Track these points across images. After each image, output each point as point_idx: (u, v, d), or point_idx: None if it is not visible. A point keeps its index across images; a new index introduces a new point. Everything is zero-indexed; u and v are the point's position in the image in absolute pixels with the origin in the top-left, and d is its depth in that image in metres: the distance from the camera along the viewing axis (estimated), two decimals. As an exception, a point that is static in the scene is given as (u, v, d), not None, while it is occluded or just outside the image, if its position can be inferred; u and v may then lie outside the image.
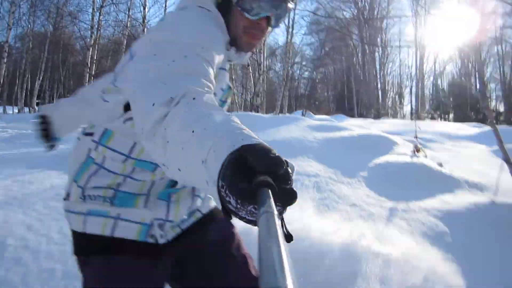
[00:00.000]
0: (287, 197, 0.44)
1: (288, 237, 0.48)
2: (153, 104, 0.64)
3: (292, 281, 0.26)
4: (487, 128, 8.48)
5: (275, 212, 0.36)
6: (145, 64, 0.75)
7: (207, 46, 0.80)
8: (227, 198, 0.45)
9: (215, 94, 0.91)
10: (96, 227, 0.91)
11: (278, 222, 0.34)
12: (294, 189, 0.45)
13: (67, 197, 0.96)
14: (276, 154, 0.46)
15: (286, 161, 0.46)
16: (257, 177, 0.43)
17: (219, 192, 0.47)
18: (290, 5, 1.00)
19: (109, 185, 0.93)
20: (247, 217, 0.46)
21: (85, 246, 0.93)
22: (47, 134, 1.13)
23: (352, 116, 23.57)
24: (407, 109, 31.55)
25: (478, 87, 23.39)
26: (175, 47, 0.77)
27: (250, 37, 0.98)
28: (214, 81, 0.76)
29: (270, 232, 0.32)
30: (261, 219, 0.35)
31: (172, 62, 0.73)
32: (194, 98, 0.63)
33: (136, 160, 0.93)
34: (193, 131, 0.55)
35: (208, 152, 0.50)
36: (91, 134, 0.95)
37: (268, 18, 0.97)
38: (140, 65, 0.77)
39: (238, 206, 0.45)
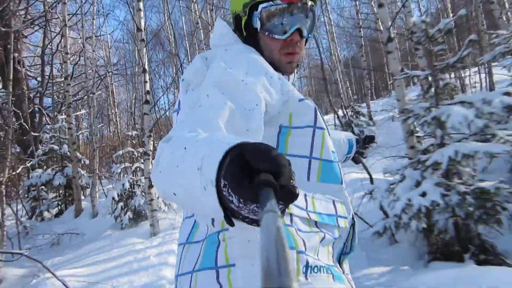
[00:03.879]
0: (288, 196, 0.44)
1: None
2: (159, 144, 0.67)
3: (295, 281, 0.26)
4: None
5: (278, 212, 0.36)
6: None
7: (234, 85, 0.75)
8: (230, 198, 0.45)
9: (321, 128, 0.89)
10: None
11: (280, 221, 0.34)
12: (296, 187, 0.45)
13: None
14: (278, 153, 0.45)
15: (288, 160, 0.45)
16: (259, 176, 0.43)
17: (221, 192, 0.46)
18: (314, 7, 0.96)
19: None
20: (249, 217, 0.46)
21: None
22: None
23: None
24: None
25: None
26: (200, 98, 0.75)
27: (289, 57, 0.95)
28: (237, 120, 0.70)
29: (273, 232, 0.32)
30: (264, 219, 0.34)
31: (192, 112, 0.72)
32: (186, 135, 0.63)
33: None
34: (185, 148, 0.56)
35: (203, 158, 0.50)
36: None
37: (298, 30, 0.93)
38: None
39: (241, 205, 0.44)
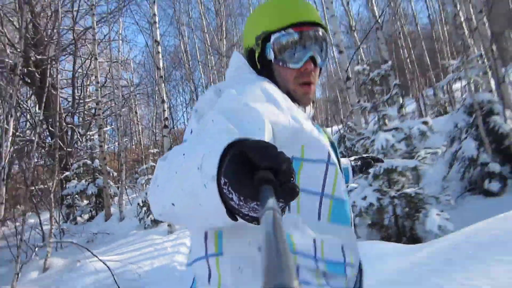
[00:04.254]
0: (289, 193, 0.43)
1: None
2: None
3: (296, 281, 0.26)
4: None
5: (278, 210, 0.36)
6: None
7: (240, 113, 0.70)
8: (230, 195, 0.45)
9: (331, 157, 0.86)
10: None
11: (280, 219, 0.34)
12: (296, 184, 0.44)
13: None
14: (279, 151, 0.45)
15: (288, 157, 0.45)
16: (259, 173, 0.43)
17: (221, 189, 0.46)
18: (326, 35, 0.96)
19: None
20: (250, 214, 0.46)
21: None
22: None
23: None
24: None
25: None
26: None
27: (304, 88, 0.94)
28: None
29: (273, 230, 0.32)
30: (264, 217, 0.34)
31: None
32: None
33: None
34: (183, 154, 0.57)
35: (203, 157, 0.50)
36: None
37: (312, 59, 0.93)
38: None
39: (241, 203, 0.44)
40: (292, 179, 0.44)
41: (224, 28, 11.98)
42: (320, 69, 0.99)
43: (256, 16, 0.98)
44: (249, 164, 0.44)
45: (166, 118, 7.07)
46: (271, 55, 0.93)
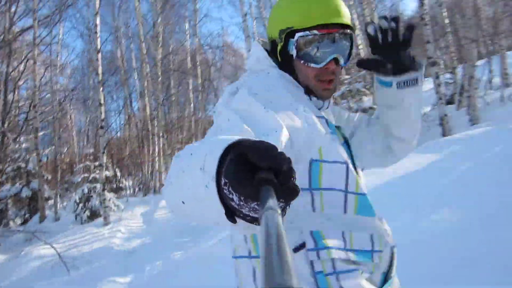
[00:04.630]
0: (289, 193, 0.43)
1: None
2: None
3: (296, 280, 0.26)
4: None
5: (278, 210, 0.36)
6: None
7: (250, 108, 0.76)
8: (230, 196, 0.45)
9: (334, 140, 0.89)
10: None
11: (280, 219, 0.34)
12: (296, 184, 0.44)
13: None
14: (279, 151, 0.45)
15: (289, 158, 0.45)
16: (259, 174, 0.43)
17: (221, 190, 0.47)
18: (352, 35, 0.95)
19: None
20: (250, 215, 0.46)
21: None
22: None
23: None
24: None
25: None
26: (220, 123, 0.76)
27: (324, 84, 0.94)
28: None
29: (273, 230, 0.32)
30: (264, 217, 0.34)
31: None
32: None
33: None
34: (191, 154, 0.58)
35: (205, 158, 0.51)
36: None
37: (335, 59, 0.92)
38: None
39: (241, 203, 0.44)
40: (292, 179, 0.44)
41: (161, 37, 12.73)
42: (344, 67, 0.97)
43: (284, 9, 0.96)
44: (249, 165, 0.44)
45: (102, 120, 7.81)
46: (293, 52, 0.93)
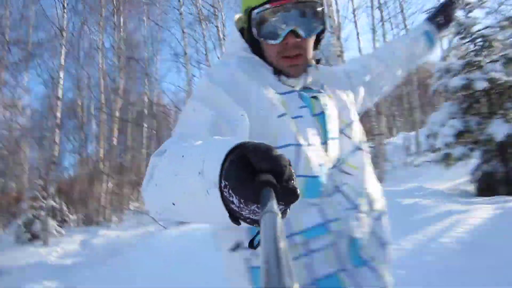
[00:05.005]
0: (289, 196, 0.44)
1: None
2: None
3: (295, 282, 0.26)
4: None
5: (278, 212, 0.36)
6: None
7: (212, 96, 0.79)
8: (230, 198, 0.45)
9: (298, 116, 0.88)
10: None
11: (280, 221, 0.34)
12: (296, 187, 0.45)
13: None
14: (278, 153, 0.45)
15: (288, 160, 0.45)
16: (260, 176, 0.43)
17: (221, 193, 0.46)
18: (314, 3, 0.90)
19: None
20: (250, 217, 0.46)
21: None
22: None
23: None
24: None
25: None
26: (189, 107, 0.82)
27: (287, 61, 0.91)
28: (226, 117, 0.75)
29: (273, 232, 0.32)
30: (264, 219, 0.35)
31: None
32: (179, 138, 0.67)
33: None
34: (182, 156, 0.57)
35: (204, 162, 0.50)
36: None
37: (294, 32, 0.88)
38: None
39: (241, 205, 0.44)
40: (292, 181, 0.44)
41: (121, 90, 14.12)
42: (319, 37, 0.97)
43: None
44: (249, 167, 0.44)
45: (56, 156, 9.20)
46: (254, 32, 0.91)
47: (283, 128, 0.85)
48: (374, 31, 12.32)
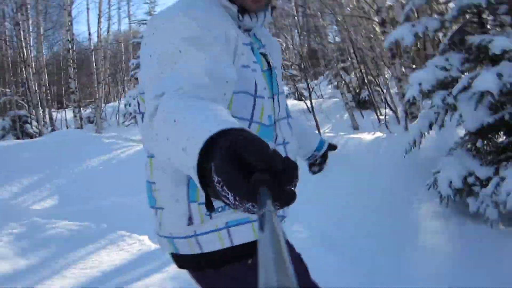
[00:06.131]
0: (285, 198, 0.42)
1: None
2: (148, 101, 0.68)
3: (294, 282, 0.25)
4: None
5: (275, 212, 0.36)
6: (144, 69, 0.82)
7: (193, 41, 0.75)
8: (224, 193, 0.43)
9: (254, 70, 0.90)
10: (245, 234, 0.87)
11: (277, 220, 0.34)
12: (293, 189, 0.43)
13: (190, 222, 0.88)
14: (274, 150, 0.44)
15: (285, 158, 0.44)
16: (256, 175, 0.42)
17: (213, 185, 0.44)
18: None
19: None
20: (247, 209, 0.44)
21: (228, 258, 0.88)
22: None
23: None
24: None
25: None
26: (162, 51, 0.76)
27: None
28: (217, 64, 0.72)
29: (269, 231, 0.32)
30: (261, 218, 0.34)
31: (158, 64, 0.74)
32: (176, 93, 0.64)
33: None
34: (174, 121, 0.56)
35: (188, 139, 0.51)
36: None
37: None
38: (141, 72, 0.84)
39: (237, 203, 0.43)
40: (293, 182, 0.43)
41: None
42: None
43: None
44: (243, 163, 0.43)
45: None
46: None
47: (242, 75, 0.86)
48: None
